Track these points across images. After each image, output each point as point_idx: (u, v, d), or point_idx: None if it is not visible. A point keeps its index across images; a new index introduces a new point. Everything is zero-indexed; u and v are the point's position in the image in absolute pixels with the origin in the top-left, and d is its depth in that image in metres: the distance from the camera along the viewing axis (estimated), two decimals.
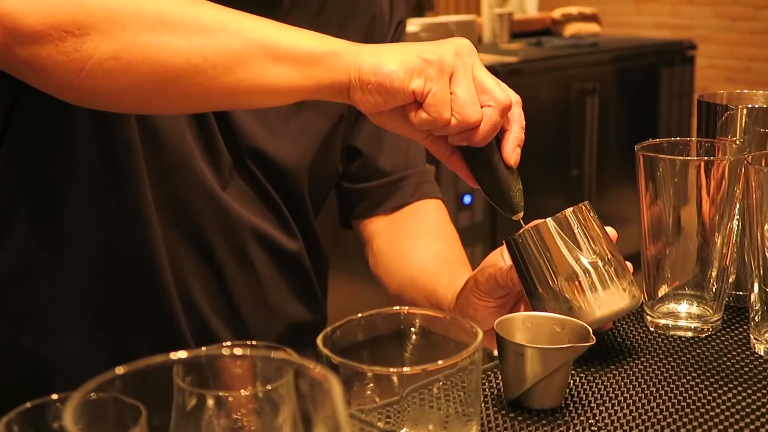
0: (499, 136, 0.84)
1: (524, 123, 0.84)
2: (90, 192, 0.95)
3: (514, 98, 0.83)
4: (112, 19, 0.74)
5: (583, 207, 0.85)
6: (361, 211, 1.20)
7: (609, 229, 0.89)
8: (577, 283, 0.84)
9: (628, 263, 0.89)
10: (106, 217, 0.96)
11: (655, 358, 0.92)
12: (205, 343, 0.96)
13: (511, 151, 0.84)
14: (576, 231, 0.84)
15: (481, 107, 0.80)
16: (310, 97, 0.80)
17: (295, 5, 1.04)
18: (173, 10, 0.77)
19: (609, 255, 0.86)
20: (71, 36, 0.74)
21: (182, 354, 0.46)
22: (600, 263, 0.84)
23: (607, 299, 0.85)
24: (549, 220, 0.84)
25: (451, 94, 0.78)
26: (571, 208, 0.85)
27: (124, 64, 0.75)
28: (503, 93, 0.80)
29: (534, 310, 0.88)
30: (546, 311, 0.86)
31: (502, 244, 0.91)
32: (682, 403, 0.83)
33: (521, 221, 0.87)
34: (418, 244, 1.13)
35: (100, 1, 0.75)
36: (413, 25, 3.73)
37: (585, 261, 0.84)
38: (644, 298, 0.99)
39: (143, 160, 0.94)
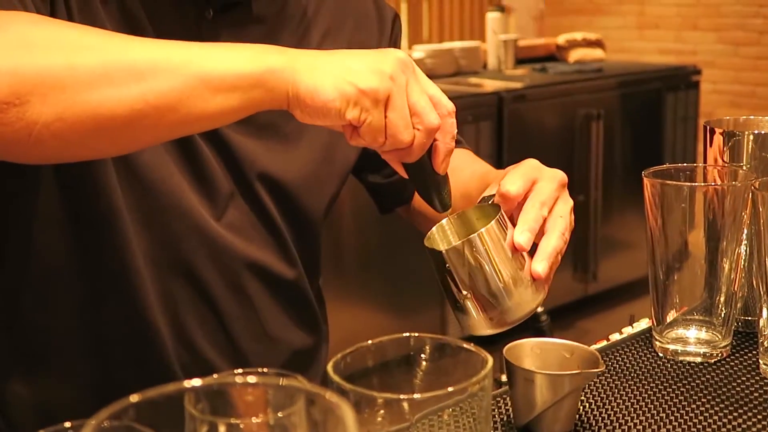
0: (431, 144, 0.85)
1: (455, 132, 0.85)
2: (66, 241, 0.95)
3: (447, 109, 0.83)
4: (49, 82, 0.74)
5: (489, 230, 0.84)
6: (409, 195, 1.21)
7: (520, 237, 0.86)
8: (468, 302, 0.85)
9: (536, 267, 0.87)
10: (88, 264, 0.96)
11: (664, 384, 0.92)
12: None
13: (441, 161, 0.85)
14: (473, 258, 0.84)
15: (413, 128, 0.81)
16: (253, 113, 0.81)
17: (278, 19, 1.04)
18: (105, 60, 0.76)
19: (500, 277, 0.85)
20: (12, 106, 0.73)
21: (195, 382, 0.46)
22: (483, 288, 0.84)
23: (491, 321, 0.85)
24: (449, 249, 0.84)
25: (385, 117, 0.79)
26: (476, 234, 0.84)
27: (69, 124, 0.75)
28: (432, 114, 0.81)
29: (456, 318, 0.89)
30: (465, 322, 0.87)
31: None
32: (692, 429, 0.82)
33: (448, 216, 0.90)
34: (453, 174, 1.13)
35: (32, 67, 0.74)
36: (418, 51, 3.75)
37: (474, 285, 0.84)
38: (653, 323, 0.99)
39: (124, 206, 0.94)
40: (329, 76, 0.78)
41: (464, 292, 0.84)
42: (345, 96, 0.77)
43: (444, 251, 0.84)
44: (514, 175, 0.90)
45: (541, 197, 0.88)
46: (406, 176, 0.87)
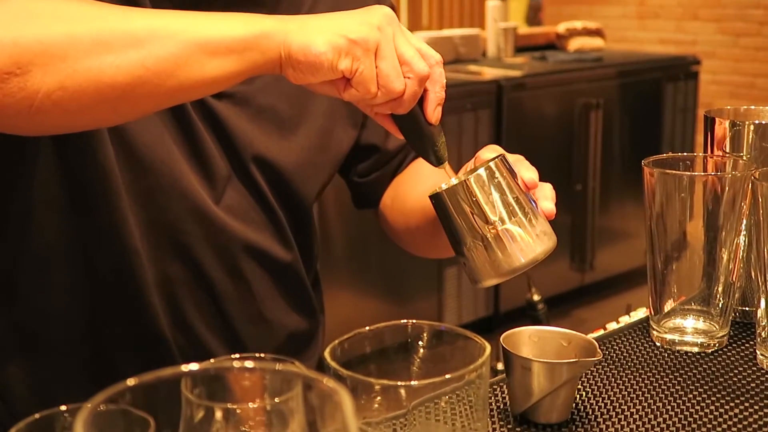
0: (422, 95, 0.87)
1: (444, 82, 0.87)
2: (64, 220, 0.95)
3: (434, 59, 0.85)
4: (50, 51, 0.75)
5: (499, 162, 0.86)
6: (381, 195, 1.21)
7: (529, 173, 0.90)
8: (497, 234, 0.85)
9: (545, 205, 0.90)
10: (86, 244, 0.97)
11: (662, 374, 0.92)
12: (200, 361, 0.95)
13: (433, 110, 0.87)
14: (493, 186, 0.85)
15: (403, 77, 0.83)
16: (248, 77, 0.83)
17: (277, 3, 1.05)
18: (104, 28, 0.77)
19: (522, 205, 0.86)
20: (14, 76, 0.74)
21: (192, 366, 0.46)
22: (515, 215, 0.85)
23: (526, 246, 0.85)
24: (470, 177, 0.86)
25: (375, 67, 0.81)
26: (488, 164, 0.86)
27: (71, 92, 0.76)
28: (422, 63, 0.83)
29: (460, 262, 0.89)
30: (471, 264, 0.87)
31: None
32: (689, 419, 0.82)
33: (445, 169, 0.90)
34: (417, 185, 1.14)
35: (32, 36, 0.75)
36: None
37: (503, 213, 0.85)
38: (650, 312, 0.99)
39: (122, 185, 0.95)
40: (319, 32, 0.80)
41: (493, 219, 0.84)
42: (336, 47, 0.79)
43: (470, 178, 0.85)
44: (485, 151, 0.94)
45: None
46: (400, 135, 0.89)
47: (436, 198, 0.87)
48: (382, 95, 0.82)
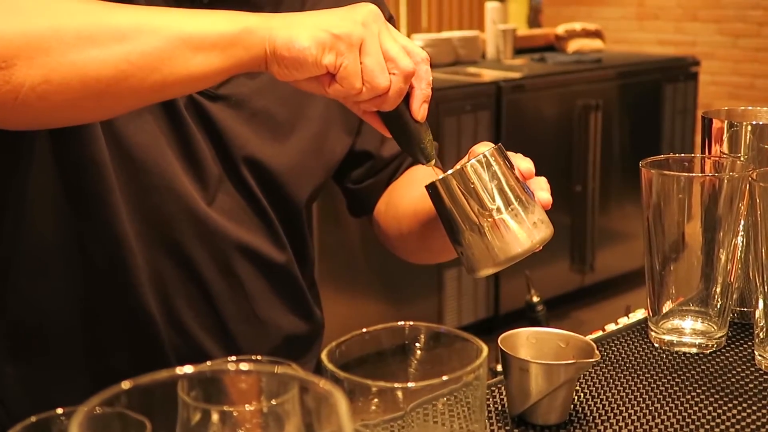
0: (408, 92, 0.87)
1: (431, 79, 0.87)
2: (59, 218, 0.96)
3: (420, 57, 0.85)
4: (34, 45, 0.75)
5: (495, 151, 0.86)
6: (375, 202, 1.21)
7: (525, 163, 0.90)
8: (494, 222, 0.85)
9: (542, 195, 0.90)
10: (82, 242, 0.97)
11: (660, 374, 0.92)
12: (194, 360, 0.96)
13: (418, 107, 0.87)
14: (490, 175, 0.85)
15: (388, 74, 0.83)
16: (233, 74, 0.83)
17: (275, 9, 1.05)
18: (89, 22, 0.78)
19: (520, 194, 0.86)
20: None
21: (188, 369, 0.46)
22: (511, 203, 0.85)
23: (523, 235, 0.85)
24: (467, 165, 0.85)
25: (360, 63, 0.81)
26: (485, 153, 0.86)
27: (56, 86, 0.76)
28: (406, 60, 0.83)
29: (457, 252, 0.88)
30: (468, 253, 0.86)
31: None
32: (687, 420, 0.82)
33: (433, 168, 0.90)
34: (409, 190, 1.14)
35: (16, 29, 0.75)
36: (417, 40, 3.74)
37: (499, 202, 0.85)
38: (649, 314, 0.99)
39: (116, 184, 0.95)
40: (303, 27, 0.80)
41: (490, 207, 0.84)
42: (320, 42, 0.79)
43: (467, 166, 0.85)
44: (479, 146, 0.93)
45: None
46: (388, 134, 0.89)
47: (432, 188, 0.87)
48: (367, 91, 0.82)
